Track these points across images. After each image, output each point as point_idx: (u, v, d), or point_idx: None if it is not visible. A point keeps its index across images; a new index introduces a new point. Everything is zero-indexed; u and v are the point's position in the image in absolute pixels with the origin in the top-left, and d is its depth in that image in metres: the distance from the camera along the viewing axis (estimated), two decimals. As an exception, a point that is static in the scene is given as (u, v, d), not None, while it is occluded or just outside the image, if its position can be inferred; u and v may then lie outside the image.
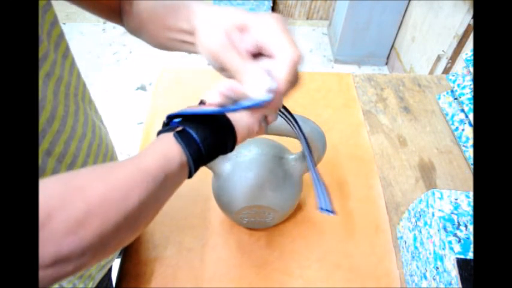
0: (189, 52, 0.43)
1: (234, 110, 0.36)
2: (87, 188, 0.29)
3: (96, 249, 0.29)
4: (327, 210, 0.46)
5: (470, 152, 0.80)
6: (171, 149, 0.33)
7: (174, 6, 0.42)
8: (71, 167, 0.46)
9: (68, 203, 0.27)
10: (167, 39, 0.44)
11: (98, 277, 0.57)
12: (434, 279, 0.53)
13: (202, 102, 0.38)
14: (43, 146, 0.41)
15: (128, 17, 0.50)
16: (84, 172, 0.31)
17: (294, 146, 0.63)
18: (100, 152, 0.53)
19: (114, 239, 0.30)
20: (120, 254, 0.96)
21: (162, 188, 0.32)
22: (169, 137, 0.34)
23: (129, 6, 0.49)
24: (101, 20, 2.50)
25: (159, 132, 0.36)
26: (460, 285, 0.47)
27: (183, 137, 0.34)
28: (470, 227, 0.52)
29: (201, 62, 2.24)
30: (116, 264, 0.66)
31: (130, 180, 0.30)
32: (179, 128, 0.35)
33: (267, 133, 0.43)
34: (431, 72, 1.73)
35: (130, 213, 0.30)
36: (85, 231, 0.27)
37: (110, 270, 0.65)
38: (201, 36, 0.37)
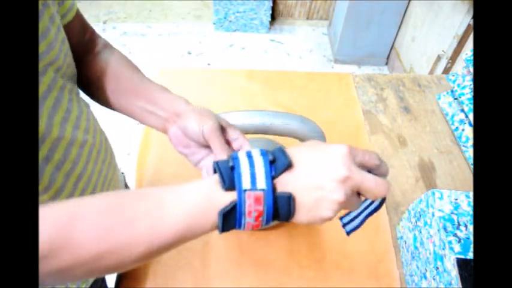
0: (143, 123, 0.51)
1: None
2: (82, 243, 0.27)
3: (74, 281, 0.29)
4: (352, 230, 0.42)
5: (470, 152, 0.80)
6: (208, 217, 0.30)
7: (151, 83, 0.51)
8: (68, 174, 0.45)
9: (55, 253, 0.27)
10: (131, 105, 0.50)
11: (91, 279, 0.56)
12: (434, 279, 0.53)
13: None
14: (42, 152, 0.41)
15: (84, 67, 0.52)
16: (87, 218, 0.28)
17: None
18: (99, 159, 0.52)
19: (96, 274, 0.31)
20: None
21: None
22: (215, 203, 0.31)
23: (92, 57, 0.53)
24: (101, 20, 2.50)
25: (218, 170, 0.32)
26: (460, 285, 0.47)
27: (228, 216, 0.31)
28: (470, 227, 0.52)
29: (201, 62, 2.25)
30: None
31: (138, 238, 0.29)
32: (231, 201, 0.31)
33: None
34: (431, 72, 1.73)
35: (124, 265, 0.30)
36: (66, 276, 0.28)
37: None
38: (194, 121, 0.44)
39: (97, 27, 2.50)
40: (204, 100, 0.92)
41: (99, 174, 0.52)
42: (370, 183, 0.33)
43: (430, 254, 0.55)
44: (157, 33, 2.44)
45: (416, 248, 0.60)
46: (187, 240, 0.31)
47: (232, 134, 0.46)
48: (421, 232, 0.59)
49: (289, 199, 0.32)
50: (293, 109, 0.91)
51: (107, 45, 0.56)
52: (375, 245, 0.67)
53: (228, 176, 0.31)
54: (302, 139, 0.56)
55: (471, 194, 0.56)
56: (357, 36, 2.16)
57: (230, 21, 2.41)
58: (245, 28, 2.44)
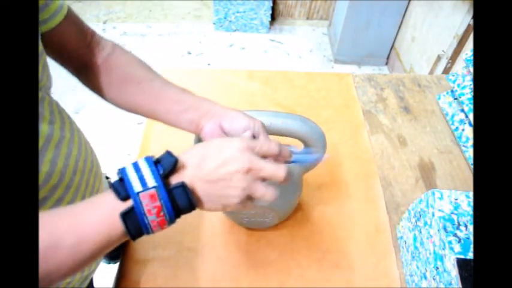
0: (169, 124, 0.52)
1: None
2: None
3: None
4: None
5: (470, 152, 0.80)
6: (117, 227, 0.34)
7: (171, 85, 0.54)
8: (56, 186, 0.44)
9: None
10: (155, 107, 0.51)
11: (83, 286, 0.56)
12: (434, 279, 0.53)
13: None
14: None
15: (97, 70, 0.53)
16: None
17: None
18: (86, 168, 0.51)
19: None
20: (113, 259, 0.96)
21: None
22: (115, 213, 0.34)
23: (101, 61, 0.53)
24: (101, 20, 2.50)
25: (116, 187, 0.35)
26: (460, 285, 0.47)
27: (128, 221, 0.34)
28: (470, 227, 0.52)
29: (201, 63, 2.24)
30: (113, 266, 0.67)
31: (64, 259, 0.33)
32: (128, 206, 0.34)
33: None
34: (431, 72, 1.73)
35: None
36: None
37: (91, 281, 0.64)
38: (243, 119, 0.47)
39: (97, 27, 2.50)
40: (204, 100, 0.92)
41: (86, 184, 0.51)
42: (269, 170, 0.37)
43: (430, 254, 0.55)
44: (157, 33, 2.44)
45: (416, 248, 0.60)
46: (109, 248, 0.35)
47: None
48: (421, 232, 0.59)
49: (184, 188, 0.35)
50: (293, 109, 0.91)
51: (116, 47, 0.56)
52: (375, 245, 0.67)
53: (120, 187, 0.34)
54: (302, 139, 0.56)
55: (471, 194, 0.56)
56: (357, 36, 2.16)
57: (230, 21, 2.41)
58: (245, 28, 2.44)
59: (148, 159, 0.36)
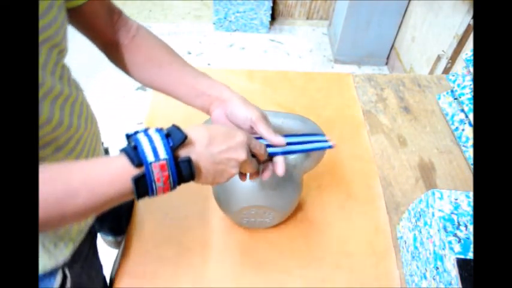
0: (188, 104, 0.57)
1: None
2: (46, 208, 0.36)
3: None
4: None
5: (470, 152, 0.80)
6: (127, 186, 0.38)
7: (191, 68, 0.58)
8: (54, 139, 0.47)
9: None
10: (175, 88, 0.57)
11: (79, 239, 0.58)
12: (434, 279, 0.53)
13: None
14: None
15: (122, 50, 0.57)
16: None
17: (294, 146, 0.63)
18: (87, 129, 0.54)
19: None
20: (119, 234, 0.97)
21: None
22: (128, 175, 0.38)
23: (129, 40, 0.58)
24: (101, 20, 2.50)
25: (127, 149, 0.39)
26: (460, 285, 0.47)
27: (139, 185, 0.38)
28: (470, 227, 0.52)
29: (201, 63, 2.24)
30: (111, 258, 0.67)
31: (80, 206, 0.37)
32: (139, 172, 0.38)
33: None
34: (431, 72, 1.73)
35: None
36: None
37: (93, 238, 0.66)
38: (242, 108, 0.52)
39: (97, 27, 2.50)
40: (204, 100, 0.92)
41: (84, 144, 0.53)
42: (252, 167, 0.47)
43: (430, 254, 0.55)
44: (158, 33, 2.43)
45: (416, 248, 0.60)
46: (117, 202, 0.39)
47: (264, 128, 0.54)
48: (421, 232, 0.59)
49: (189, 162, 0.40)
50: (293, 109, 0.91)
51: (141, 29, 0.60)
52: (375, 245, 0.67)
53: (134, 155, 0.37)
54: (302, 139, 0.56)
55: (471, 194, 0.56)
56: (357, 36, 2.16)
57: (230, 21, 2.41)
58: (245, 28, 2.44)
59: (160, 131, 0.39)
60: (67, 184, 0.37)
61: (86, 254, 0.61)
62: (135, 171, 0.38)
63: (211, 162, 0.42)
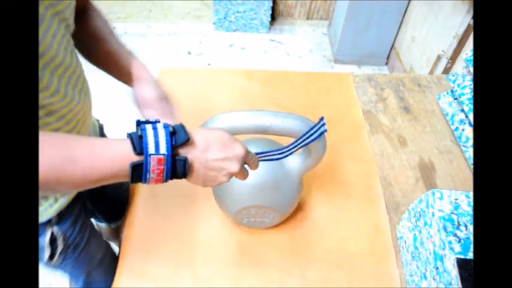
0: (116, 79, 0.64)
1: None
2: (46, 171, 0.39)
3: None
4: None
5: (470, 152, 0.80)
6: (123, 169, 0.41)
7: (122, 47, 0.64)
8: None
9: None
10: (107, 64, 0.62)
11: (64, 201, 0.61)
12: (434, 279, 0.53)
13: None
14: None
15: (81, 24, 0.60)
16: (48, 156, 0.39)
17: (294, 146, 0.63)
18: (81, 96, 0.58)
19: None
20: (114, 220, 1.01)
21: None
22: (128, 159, 0.41)
23: (85, 16, 0.62)
24: (101, 20, 2.50)
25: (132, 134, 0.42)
26: (460, 285, 0.47)
27: (135, 170, 0.41)
28: (470, 227, 0.52)
29: (201, 63, 2.24)
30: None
31: (77, 174, 0.40)
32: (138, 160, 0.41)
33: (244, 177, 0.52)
34: (431, 72, 1.73)
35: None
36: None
37: (84, 203, 0.71)
38: (146, 87, 0.60)
39: (97, 27, 2.50)
40: (204, 100, 0.92)
41: (76, 113, 0.56)
42: (243, 177, 0.50)
43: (430, 254, 0.55)
44: (157, 33, 2.43)
45: (416, 248, 0.60)
46: (110, 181, 0.43)
47: (170, 104, 0.64)
48: (421, 232, 0.59)
49: (185, 162, 0.43)
50: (293, 109, 0.91)
51: (94, 7, 0.65)
52: (375, 245, 0.67)
53: (137, 144, 0.40)
54: (302, 139, 0.56)
55: (471, 194, 0.56)
56: (357, 36, 2.16)
57: (230, 21, 2.41)
58: (245, 28, 2.44)
59: (166, 128, 0.42)
60: (71, 151, 0.40)
61: (76, 215, 0.66)
62: (134, 158, 0.41)
63: (205, 167, 0.45)
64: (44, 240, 0.61)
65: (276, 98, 0.93)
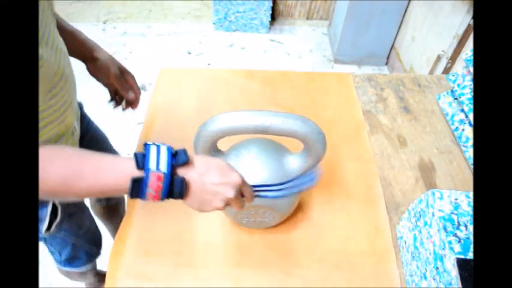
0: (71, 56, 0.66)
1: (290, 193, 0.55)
2: (53, 180, 0.44)
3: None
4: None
5: (470, 152, 0.80)
6: (126, 183, 0.44)
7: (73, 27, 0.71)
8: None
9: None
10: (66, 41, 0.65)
11: None
12: (434, 279, 0.53)
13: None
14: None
15: None
16: (58, 167, 0.45)
17: (294, 146, 0.63)
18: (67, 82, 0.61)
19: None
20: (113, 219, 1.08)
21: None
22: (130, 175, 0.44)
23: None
24: (101, 20, 2.50)
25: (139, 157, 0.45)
26: (460, 285, 0.47)
27: (135, 188, 0.44)
28: (470, 227, 0.52)
29: (201, 63, 2.24)
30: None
31: (82, 188, 0.45)
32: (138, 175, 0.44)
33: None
34: (431, 72, 1.73)
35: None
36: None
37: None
38: (103, 66, 0.73)
39: (97, 27, 2.50)
40: (204, 100, 0.92)
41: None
42: (238, 206, 0.51)
43: (430, 254, 0.55)
44: (157, 33, 2.43)
45: (416, 248, 0.60)
46: (111, 194, 0.48)
47: (129, 77, 0.77)
48: (421, 232, 0.59)
49: (182, 182, 0.46)
50: (293, 109, 0.91)
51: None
52: (375, 245, 0.67)
53: (140, 160, 0.44)
54: (302, 139, 0.56)
55: (471, 194, 0.56)
56: (357, 36, 2.16)
57: (230, 21, 2.41)
58: (245, 28, 2.44)
59: (169, 149, 0.46)
60: (80, 167, 0.45)
61: None
62: (136, 174, 0.44)
63: (201, 190, 0.47)
64: (46, 211, 0.66)
65: (276, 98, 0.93)
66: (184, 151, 0.47)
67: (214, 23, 2.43)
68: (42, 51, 0.50)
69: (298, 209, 0.71)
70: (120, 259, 0.65)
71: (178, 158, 0.46)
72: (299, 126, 0.54)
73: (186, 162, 0.46)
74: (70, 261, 0.84)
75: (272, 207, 0.61)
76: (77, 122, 0.69)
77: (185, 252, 0.66)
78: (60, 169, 0.44)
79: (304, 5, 2.48)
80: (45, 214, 0.66)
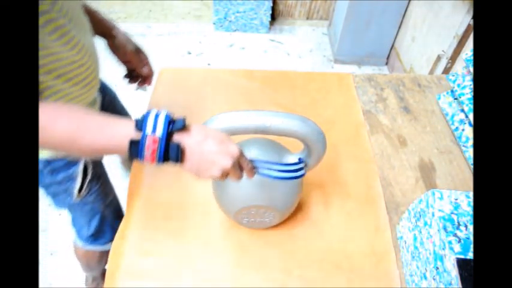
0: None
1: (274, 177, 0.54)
2: (61, 135, 0.49)
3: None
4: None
5: (470, 152, 0.80)
6: (125, 143, 0.47)
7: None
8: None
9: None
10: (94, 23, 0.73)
11: None
12: (434, 279, 0.53)
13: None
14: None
15: None
16: (66, 123, 0.49)
17: (294, 146, 0.63)
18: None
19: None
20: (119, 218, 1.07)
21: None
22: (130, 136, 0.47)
23: None
24: (101, 20, 2.49)
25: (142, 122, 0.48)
26: (460, 285, 0.47)
27: (134, 149, 0.47)
28: (470, 227, 0.52)
29: (201, 63, 2.24)
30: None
31: (85, 142, 0.49)
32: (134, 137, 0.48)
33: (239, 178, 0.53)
34: (431, 72, 1.73)
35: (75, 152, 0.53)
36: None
37: None
38: (121, 41, 0.80)
39: (97, 27, 2.50)
40: (204, 100, 0.92)
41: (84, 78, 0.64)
42: (236, 177, 0.51)
43: (430, 254, 0.55)
44: (157, 33, 2.43)
45: (416, 248, 0.60)
46: (112, 153, 0.51)
47: (143, 56, 0.84)
48: (421, 232, 0.59)
49: (178, 147, 0.47)
50: (293, 109, 0.91)
51: None
52: (375, 245, 0.67)
53: (139, 123, 0.47)
54: (302, 139, 0.56)
55: (471, 194, 0.56)
56: (357, 36, 2.16)
57: (230, 21, 2.41)
58: (245, 28, 2.44)
59: (167, 116, 0.48)
60: (85, 123, 0.48)
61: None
62: (134, 136, 0.47)
63: (199, 157, 0.48)
64: (78, 168, 0.71)
65: (276, 98, 0.93)
66: (183, 119, 0.49)
67: (214, 23, 2.43)
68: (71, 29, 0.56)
69: (298, 209, 0.71)
70: (120, 259, 0.65)
71: (175, 124, 0.48)
72: (299, 126, 0.54)
73: (182, 128, 0.48)
74: (96, 236, 0.87)
75: (272, 207, 0.61)
76: (98, 92, 0.75)
77: (185, 252, 0.66)
78: (68, 124, 0.48)
79: (304, 5, 2.48)
80: (77, 172, 0.71)
